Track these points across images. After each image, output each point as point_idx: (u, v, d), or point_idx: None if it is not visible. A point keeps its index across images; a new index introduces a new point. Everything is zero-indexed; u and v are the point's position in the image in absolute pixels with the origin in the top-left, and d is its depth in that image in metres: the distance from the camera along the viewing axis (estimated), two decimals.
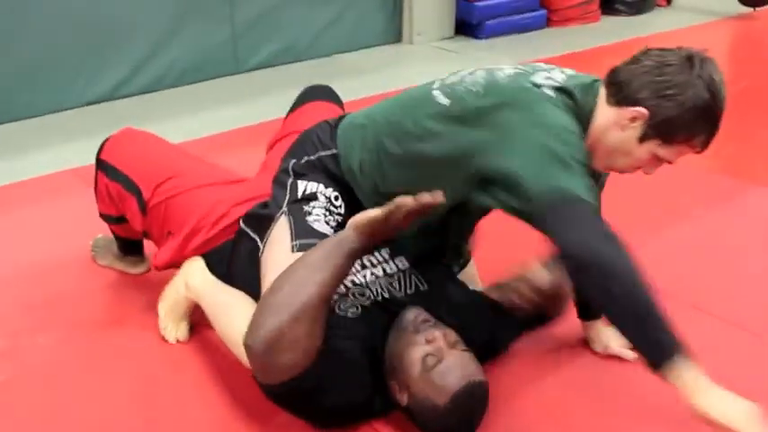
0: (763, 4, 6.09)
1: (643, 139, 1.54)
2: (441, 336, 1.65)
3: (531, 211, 1.48)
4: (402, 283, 1.83)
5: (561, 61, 4.96)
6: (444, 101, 1.69)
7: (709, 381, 1.38)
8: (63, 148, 3.56)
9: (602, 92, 1.61)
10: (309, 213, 1.78)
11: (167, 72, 4.38)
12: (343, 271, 1.60)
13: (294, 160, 1.93)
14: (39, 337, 2.10)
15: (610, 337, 1.91)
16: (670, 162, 1.59)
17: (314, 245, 1.64)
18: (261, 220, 1.88)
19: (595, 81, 1.65)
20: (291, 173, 1.91)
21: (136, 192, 2.08)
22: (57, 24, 3.98)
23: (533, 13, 5.68)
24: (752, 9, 6.15)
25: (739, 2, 6.03)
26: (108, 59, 4.20)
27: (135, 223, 2.12)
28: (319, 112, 2.29)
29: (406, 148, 1.76)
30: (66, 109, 4.07)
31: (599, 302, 1.51)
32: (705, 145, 1.56)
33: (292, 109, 2.45)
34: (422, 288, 1.84)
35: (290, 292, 1.53)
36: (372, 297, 1.78)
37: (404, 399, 1.65)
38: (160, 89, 4.37)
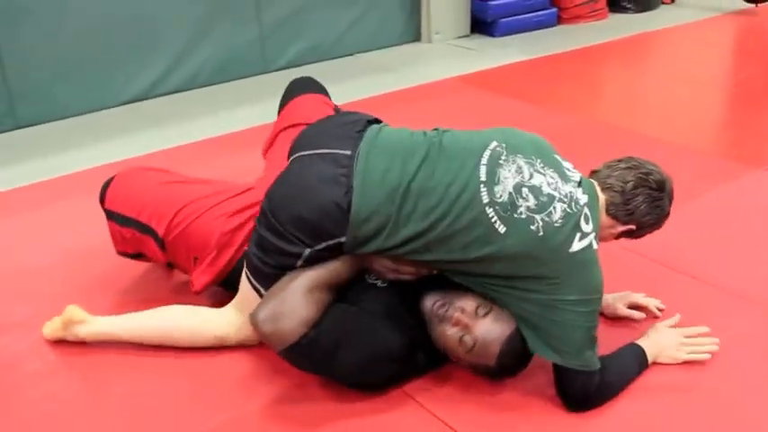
0: (764, 0, 6.27)
1: (619, 237, 1.99)
2: (461, 314, 1.82)
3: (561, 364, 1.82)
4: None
5: (573, 56, 5.24)
6: (501, 228, 1.74)
7: (653, 351, 1.96)
8: (101, 146, 3.70)
9: (602, 203, 1.92)
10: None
11: (199, 71, 4.55)
12: (338, 273, 1.83)
13: (308, 250, 1.81)
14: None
15: (617, 302, 2.15)
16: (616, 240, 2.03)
17: None
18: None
19: (591, 193, 1.90)
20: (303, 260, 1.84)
21: (150, 232, 2.13)
22: (94, 27, 4.14)
23: (544, 12, 5.86)
24: (754, 5, 6.33)
25: None
26: (143, 60, 4.36)
27: (157, 258, 2.18)
28: (309, 105, 2.36)
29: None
30: (103, 108, 4.24)
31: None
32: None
33: (282, 105, 2.46)
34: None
35: (286, 280, 1.81)
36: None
37: (464, 364, 1.89)
38: (193, 88, 4.54)
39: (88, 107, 4.20)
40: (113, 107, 4.28)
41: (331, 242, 1.78)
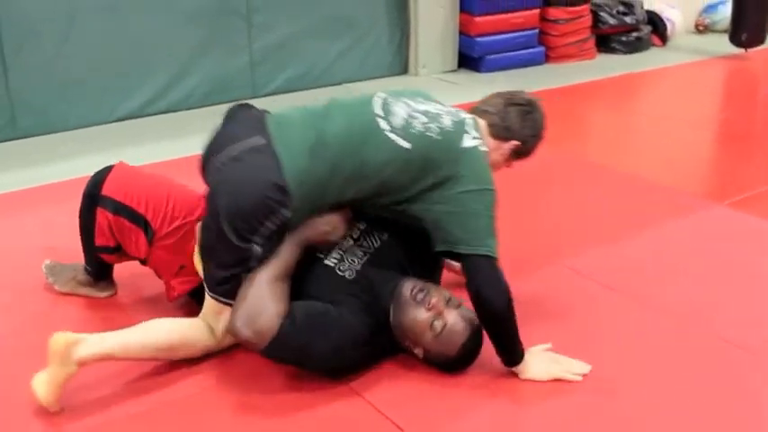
0: (753, 46, 6.40)
1: (508, 159, 2.26)
2: (437, 300, 2.03)
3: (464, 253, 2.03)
4: (369, 241, 2.21)
5: (558, 93, 5.41)
6: (406, 145, 2.02)
7: (526, 362, 2.07)
8: (94, 158, 3.83)
9: (483, 126, 2.18)
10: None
11: (191, 93, 4.84)
12: (287, 262, 2.03)
13: (259, 240, 1.99)
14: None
15: (549, 365, 2.14)
16: (511, 167, 2.31)
17: None
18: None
19: (472, 117, 2.17)
20: (258, 248, 2.00)
21: (143, 224, 2.24)
22: (93, 47, 4.46)
23: (532, 50, 6.05)
24: (743, 50, 6.46)
25: (731, 42, 6.34)
26: (137, 80, 4.66)
27: (138, 252, 2.27)
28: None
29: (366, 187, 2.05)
30: (98, 123, 4.53)
31: (487, 330, 2.07)
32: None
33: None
34: (384, 238, 2.22)
35: (246, 285, 2.00)
36: (358, 260, 2.15)
37: (420, 353, 2.08)
38: (183, 109, 4.81)
39: (84, 122, 4.49)
40: (108, 123, 4.56)
41: (279, 222, 1.95)
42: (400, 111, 2.08)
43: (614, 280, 2.69)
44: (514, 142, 2.20)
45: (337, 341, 2.00)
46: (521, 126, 2.20)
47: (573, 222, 3.24)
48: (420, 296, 2.05)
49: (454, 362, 2.08)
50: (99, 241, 2.31)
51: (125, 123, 4.61)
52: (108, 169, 2.36)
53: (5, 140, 4.26)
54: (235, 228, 1.95)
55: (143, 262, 2.34)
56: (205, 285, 2.10)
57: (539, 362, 2.10)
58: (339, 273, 2.12)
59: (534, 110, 2.23)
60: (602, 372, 2.14)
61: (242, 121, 2.13)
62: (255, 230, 1.96)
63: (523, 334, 2.07)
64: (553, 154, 3.99)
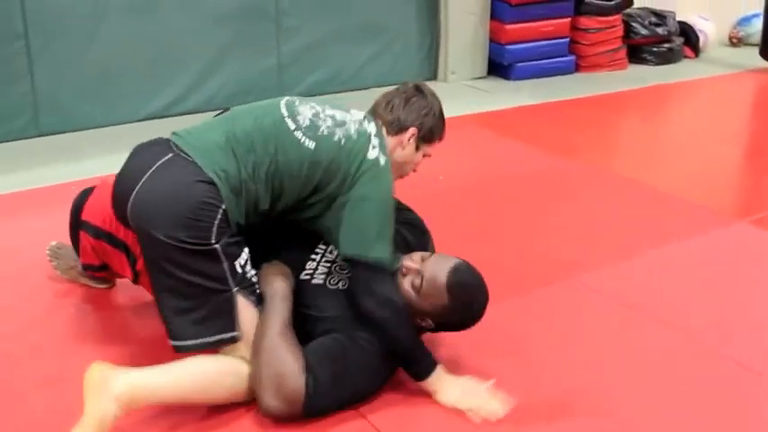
0: None
1: (418, 147, 2.23)
2: (410, 261, 2.03)
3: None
4: None
5: (588, 102, 5.34)
6: (311, 144, 2.02)
7: (445, 380, 1.99)
8: (115, 157, 3.86)
9: (382, 128, 2.18)
10: (253, 279, 2.01)
11: (216, 94, 4.76)
12: (284, 311, 1.98)
13: (214, 240, 1.91)
14: None
15: (464, 395, 2.01)
16: (430, 155, 2.29)
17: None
18: None
19: (375, 123, 2.17)
20: (221, 250, 1.92)
21: (124, 249, 2.17)
22: (120, 47, 4.41)
23: (562, 59, 5.95)
24: None
25: (761, 56, 6.23)
26: (163, 80, 4.60)
27: (124, 272, 2.22)
28: None
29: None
30: (122, 123, 4.47)
31: (384, 342, 1.98)
32: (444, 135, 2.30)
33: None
34: None
35: (258, 342, 1.93)
36: (344, 269, 2.10)
37: (429, 323, 2.03)
38: (209, 110, 4.73)
39: (109, 121, 4.44)
40: (132, 122, 4.50)
41: (220, 215, 1.90)
42: (306, 112, 2.09)
43: (628, 296, 2.61)
44: (411, 130, 2.19)
45: (366, 373, 1.96)
46: (408, 111, 2.19)
47: (590, 235, 3.15)
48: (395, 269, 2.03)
49: (454, 309, 1.98)
50: (83, 260, 2.31)
51: (150, 123, 4.54)
52: (89, 192, 2.32)
53: (29, 138, 4.21)
54: (186, 242, 1.86)
55: (135, 282, 2.25)
56: (192, 343, 1.92)
57: (455, 388, 1.99)
58: (331, 287, 2.09)
59: (415, 93, 2.23)
60: (606, 392, 2.09)
61: (144, 151, 2.05)
62: (208, 232, 1.88)
63: (527, 348, 2.11)
64: (576, 165, 3.99)
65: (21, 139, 4.20)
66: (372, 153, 2.06)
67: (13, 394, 2.04)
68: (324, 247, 2.18)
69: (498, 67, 5.82)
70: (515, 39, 5.70)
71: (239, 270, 1.95)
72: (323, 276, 2.11)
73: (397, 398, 2.03)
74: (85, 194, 2.33)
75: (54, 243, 2.57)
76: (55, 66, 4.23)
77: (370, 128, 2.13)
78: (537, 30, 5.74)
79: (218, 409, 1.94)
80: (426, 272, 1.99)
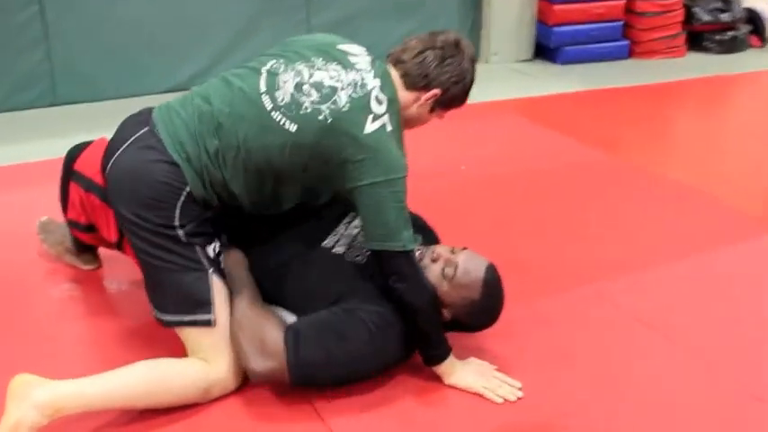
0: None
1: (433, 110, 2.02)
2: (440, 249, 1.94)
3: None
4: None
5: (641, 91, 4.99)
6: (292, 127, 1.84)
7: (457, 365, 1.94)
8: None
9: (396, 77, 1.95)
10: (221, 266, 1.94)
11: None
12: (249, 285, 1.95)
13: (178, 223, 1.85)
14: None
15: (477, 378, 1.97)
16: (442, 118, 2.09)
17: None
18: None
19: (384, 72, 1.94)
20: (185, 237, 1.86)
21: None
22: (143, 16, 4.25)
23: (615, 43, 5.60)
24: None
25: None
26: (187, 51, 4.44)
27: (109, 234, 2.10)
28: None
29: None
30: (144, 94, 4.30)
31: (409, 325, 1.91)
32: (463, 105, 2.08)
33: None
34: None
35: (233, 317, 1.89)
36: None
37: (446, 315, 1.93)
38: None
39: (128, 92, 4.29)
40: (154, 94, 4.34)
41: (184, 197, 1.83)
42: (288, 84, 1.87)
43: (645, 312, 2.34)
44: (434, 91, 1.96)
45: (360, 345, 1.85)
46: (439, 72, 1.94)
47: (615, 239, 2.85)
48: (421, 254, 1.95)
49: (482, 306, 1.93)
50: (70, 215, 2.19)
51: (173, 95, 4.34)
52: (86, 144, 2.21)
53: (45, 107, 4.10)
54: (151, 221, 1.82)
55: (118, 247, 2.11)
56: (171, 318, 1.87)
57: (467, 371, 1.96)
58: (348, 260, 2.01)
59: (457, 52, 1.97)
60: (595, 417, 1.87)
61: (129, 121, 1.99)
62: (171, 213, 1.83)
63: (521, 358, 1.99)
64: (615, 161, 3.64)
65: (36, 107, 4.09)
66: (370, 126, 1.84)
67: None
68: (349, 219, 2.13)
69: (544, 50, 5.50)
70: (563, 20, 5.36)
71: (212, 255, 1.90)
72: (343, 248, 2.05)
73: (359, 402, 1.90)
74: (81, 147, 2.23)
75: (44, 218, 2.50)
76: (72, 33, 4.10)
77: (372, 86, 1.88)
78: (588, 11, 5.39)
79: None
80: (461, 262, 1.91)
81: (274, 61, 1.92)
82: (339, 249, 2.04)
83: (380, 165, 1.83)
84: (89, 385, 1.71)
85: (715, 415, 1.91)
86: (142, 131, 1.90)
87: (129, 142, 1.90)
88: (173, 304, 1.86)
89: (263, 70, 1.90)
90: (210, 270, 1.87)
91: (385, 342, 1.88)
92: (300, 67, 1.89)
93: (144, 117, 1.95)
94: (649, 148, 3.99)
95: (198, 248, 1.86)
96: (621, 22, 5.59)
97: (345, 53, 1.94)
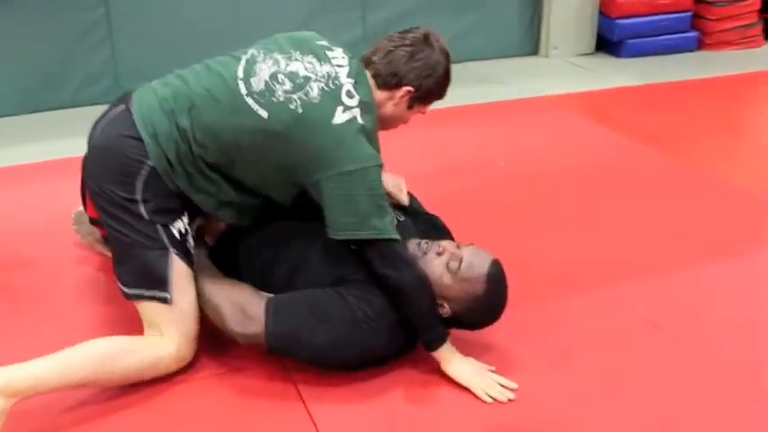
0: None
1: (411, 106, 2.04)
2: (446, 243, 1.95)
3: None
4: None
5: (711, 84, 4.79)
6: (263, 113, 1.87)
7: (456, 355, 1.95)
8: None
9: (369, 78, 1.98)
10: (191, 248, 1.99)
11: None
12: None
13: (140, 197, 1.91)
14: None
15: (473, 374, 1.96)
16: (424, 113, 2.11)
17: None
18: None
19: (359, 71, 1.97)
20: (148, 215, 1.91)
21: None
22: (203, 13, 4.41)
23: (683, 35, 5.41)
24: None
25: None
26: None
27: None
28: None
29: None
30: None
31: (400, 308, 1.91)
32: (445, 94, 2.11)
33: None
34: (401, 219, 2.12)
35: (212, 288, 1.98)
36: None
37: (446, 311, 1.93)
38: None
39: None
40: None
41: (147, 171, 1.88)
42: (264, 72, 1.92)
43: (663, 319, 2.25)
44: (406, 88, 1.98)
45: (342, 318, 1.88)
46: (409, 68, 1.96)
47: (648, 243, 2.74)
48: (427, 246, 1.95)
49: (485, 302, 1.91)
50: (89, 213, 2.25)
51: None
52: None
53: (110, 103, 4.29)
54: (114, 194, 1.89)
55: None
56: (132, 291, 1.94)
57: (466, 366, 1.95)
58: (354, 246, 1.96)
59: (426, 47, 1.99)
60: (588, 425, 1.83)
61: (113, 103, 2.07)
62: (132, 187, 1.89)
63: (517, 357, 1.99)
64: (667, 160, 3.51)
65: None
66: (341, 116, 1.87)
67: None
68: None
69: (607, 44, 5.37)
70: (627, 12, 5.22)
71: (176, 235, 1.94)
72: None
73: (346, 393, 1.93)
74: None
75: (78, 209, 2.60)
76: (136, 32, 4.28)
77: (344, 81, 1.92)
78: (653, 2, 5.22)
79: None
80: (466, 256, 1.91)
81: (255, 51, 1.99)
82: None
83: (350, 154, 1.85)
84: (37, 367, 1.76)
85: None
86: (118, 109, 1.98)
87: (105, 119, 2.00)
88: (134, 278, 1.92)
89: (243, 58, 1.97)
90: (172, 250, 1.91)
91: (373, 331, 1.89)
92: (278, 56, 1.95)
93: (126, 96, 2.03)
94: (714, 148, 3.79)
95: (160, 228, 1.91)
96: (690, 13, 5.40)
97: (323, 47, 2.00)
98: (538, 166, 3.45)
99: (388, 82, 1.98)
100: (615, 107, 4.39)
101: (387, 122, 2.07)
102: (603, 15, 5.30)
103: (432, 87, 2.02)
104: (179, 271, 1.93)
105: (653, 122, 4.07)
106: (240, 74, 1.93)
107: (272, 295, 1.94)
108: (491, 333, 2.07)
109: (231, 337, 1.92)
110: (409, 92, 1.99)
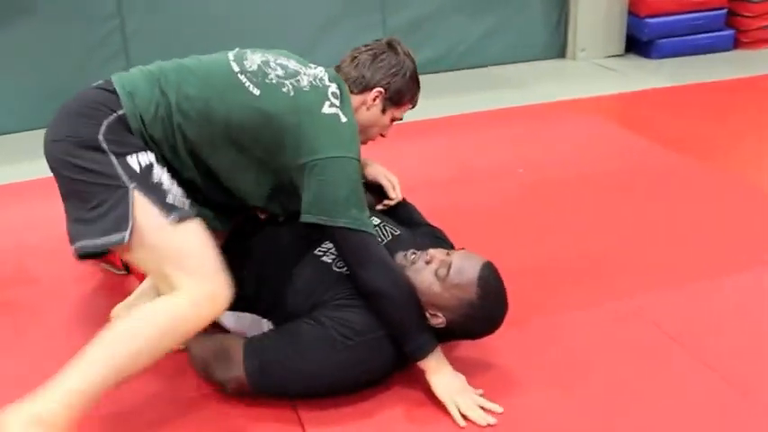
0: None
1: (385, 109, 2.05)
2: (434, 251, 1.88)
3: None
4: (383, 233, 2.08)
5: (748, 84, 4.61)
6: (255, 91, 1.86)
7: (442, 367, 1.86)
8: None
9: (345, 86, 2.01)
10: (161, 184, 1.79)
11: None
12: None
13: (102, 137, 1.78)
14: None
15: (455, 393, 1.87)
16: (401, 119, 2.13)
17: (187, 212, 1.79)
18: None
19: (337, 78, 2.01)
20: (105, 144, 1.78)
21: None
22: (217, 22, 4.36)
23: (718, 33, 5.22)
24: None
25: None
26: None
27: (115, 257, 2.15)
28: None
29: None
30: None
31: (381, 315, 1.85)
32: (416, 100, 2.14)
33: None
34: (396, 233, 2.10)
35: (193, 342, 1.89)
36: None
37: (440, 321, 1.84)
38: None
39: None
40: None
41: (114, 116, 1.79)
42: (255, 58, 1.93)
43: (683, 330, 2.13)
44: (376, 90, 2.03)
45: (321, 348, 1.81)
46: (374, 70, 2.02)
47: (669, 251, 2.60)
48: (414, 257, 1.89)
49: (479, 308, 1.81)
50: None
51: None
52: None
53: None
54: (72, 137, 1.77)
55: (125, 269, 2.17)
56: (87, 243, 1.74)
57: (450, 381, 1.86)
58: (337, 270, 1.95)
59: (388, 49, 2.05)
60: None
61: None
62: (96, 128, 1.76)
63: (512, 374, 1.93)
64: (694, 164, 3.34)
65: None
66: (328, 109, 1.89)
67: None
68: None
69: (637, 44, 5.20)
70: (657, 11, 5.05)
71: (136, 168, 1.76)
72: (330, 258, 1.99)
73: (340, 411, 1.85)
74: None
75: None
76: (150, 44, 4.23)
77: (329, 83, 1.96)
78: (685, 0, 5.05)
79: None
80: (455, 261, 1.83)
81: (240, 49, 2.00)
82: (327, 259, 2.00)
83: (337, 141, 1.86)
84: (70, 379, 1.59)
85: None
86: (98, 83, 1.91)
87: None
88: (86, 227, 1.75)
89: (231, 52, 1.98)
90: (132, 186, 1.73)
91: (356, 350, 1.82)
92: (264, 52, 1.99)
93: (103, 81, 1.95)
94: (749, 153, 3.60)
95: (114, 159, 1.75)
96: (725, 10, 5.21)
97: (304, 59, 2.04)
98: (557, 173, 3.31)
99: (359, 86, 2.03)
100: (645, 111, 4.22)
101: (364, 132, 2.07)
102: (633, 14, 5.13)
103: (401, 87, 2.04)
104: (141, 205, 1.73)
105: (685, 126, 3.90)
106: (231, 57, 1.95)
107: (266, 329, 1.91)
108: (496, 346, 1.99)
109: (219, 386, 1.88)
110: (380, 92, 2.03)
